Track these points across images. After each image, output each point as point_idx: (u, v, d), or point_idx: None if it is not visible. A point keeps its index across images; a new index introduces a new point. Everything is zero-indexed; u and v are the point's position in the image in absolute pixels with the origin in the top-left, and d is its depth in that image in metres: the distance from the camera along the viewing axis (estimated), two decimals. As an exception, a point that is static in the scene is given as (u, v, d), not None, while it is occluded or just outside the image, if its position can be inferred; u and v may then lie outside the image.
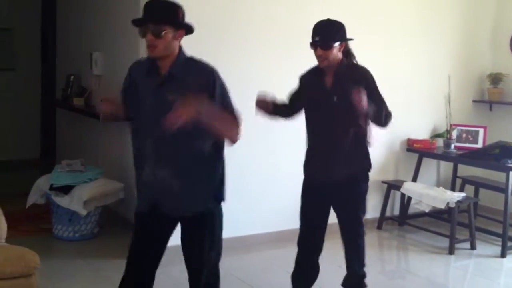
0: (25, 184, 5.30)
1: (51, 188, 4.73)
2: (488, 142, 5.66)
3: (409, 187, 5.33)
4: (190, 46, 2.76)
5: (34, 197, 4.94)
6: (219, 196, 2.75)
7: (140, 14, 4.55)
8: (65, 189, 4.70)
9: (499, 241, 5.04)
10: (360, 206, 3.42)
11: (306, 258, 3.48)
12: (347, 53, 3.31)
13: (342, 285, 3.54)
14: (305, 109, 3.43)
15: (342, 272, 3.51)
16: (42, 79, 7.72)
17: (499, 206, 5.34)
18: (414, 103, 5.74)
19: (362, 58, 3.58)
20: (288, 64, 4.85)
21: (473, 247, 5.08)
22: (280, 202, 4.89)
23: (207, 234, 2.72)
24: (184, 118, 2.39)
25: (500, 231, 5.05)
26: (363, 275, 3.48)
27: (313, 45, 3.22)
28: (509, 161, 4.99)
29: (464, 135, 5.80)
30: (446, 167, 6.03)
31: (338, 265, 3.69)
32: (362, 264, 3.47)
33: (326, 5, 4.97)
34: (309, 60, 3.38)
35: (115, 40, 5.46)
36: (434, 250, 5.03)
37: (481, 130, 5.80)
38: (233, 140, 2.63)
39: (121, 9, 5.28)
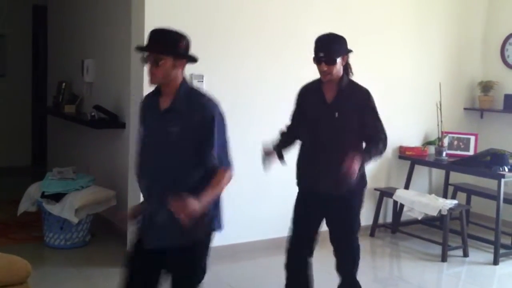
0: (16, 191, 5.26)
1: (43, 195, 4.69)
2: (479, 150, 5.69)
3: (401, 195, 5.34)
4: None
5: (25, 205, 4.90)
6: (211, 226, 2.68)
7: (130, 21, 4.59)
8: (57, 197, 4.66)
9: (491, 248, 5.05)
10: (354, 220, 3.40)
11: (296, 260, 3.45)
12: (346, 65, 3.31)
13: None
14: (304, 123, 3.42)
15: (332, 278, 3.49)
16: (33, 86, 7.70)
17: (491, 213, 5.36)
18: (406, 111, 5.75)
19: (353, 67, 3.56)
20: (279, 64, 4.86)
21: (465, 254, 5.09)
22: (271, 210, 4.87)
23: (193, 263, 2.68)
24: (188, 218, 2.43)
25: (492, 238, 5.06)
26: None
27: (317, 60, 3.22)
28: (500, 169, 5.02)
29: (455, 142, 5.83)
30: (438, 174, 6.06)
31: (328, 271, 3.67)
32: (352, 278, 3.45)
33: (318, 12, 5.01)
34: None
35: (107, 47, 5.45)
36: (426, 257, 5.03)
37: (472, 138, 5.83)
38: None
39: (113, 17, 5.28)
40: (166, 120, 2.60)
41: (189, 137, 2.58)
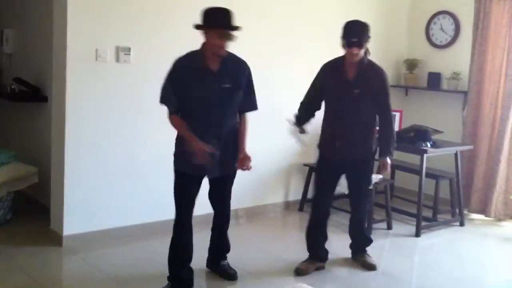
0: None
1: (-42, 172, 4.46)
2: (403, 126, 5.85)
3: (329, 170, 5.41)
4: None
5: None
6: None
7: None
8: (-26, 174, 4.44)
9: (413, 221, 5.24)
10: (366, 180, 4.21)
11: (318, 219, 4.19)
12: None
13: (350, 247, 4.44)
14: (326, 98, 4.00)
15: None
16: None
17: (413, 187, 5.55)
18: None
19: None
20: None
21: (389, 227, 5.26)
22: (153, 194, 4.60)
23: (229, 187, 3.77)
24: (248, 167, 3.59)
25: (414, 211, 5.25)
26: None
27: (349, 44, 3.77)
28: (423, 144, 5.19)
29: (381, 118, 5.95)
30: (364, 150, 6.18)
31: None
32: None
33: None
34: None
35: (27, 17, 5.20)
36: (352, 231, 5.14)
37: (397, 114, 5.96)
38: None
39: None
40: (219, 78, 3.39)
41: (238, 90, 3.46)
